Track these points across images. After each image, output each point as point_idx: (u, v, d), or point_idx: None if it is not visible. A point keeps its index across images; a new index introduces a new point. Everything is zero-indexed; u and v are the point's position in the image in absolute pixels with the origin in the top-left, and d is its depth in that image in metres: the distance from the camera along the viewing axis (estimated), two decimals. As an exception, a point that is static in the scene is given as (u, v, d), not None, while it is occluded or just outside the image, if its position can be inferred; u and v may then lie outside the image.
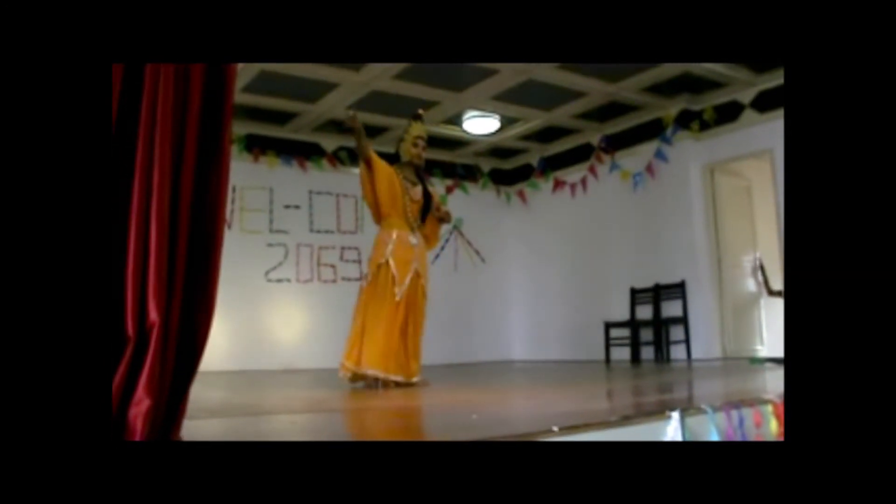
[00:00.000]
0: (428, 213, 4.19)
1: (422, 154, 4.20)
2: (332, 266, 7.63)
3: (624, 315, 7.34)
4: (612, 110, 7.29)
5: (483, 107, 7.11)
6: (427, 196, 4.21)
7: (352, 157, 7.85)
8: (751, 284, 7.19)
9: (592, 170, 7.91)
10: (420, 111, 4.30)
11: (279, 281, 7.36)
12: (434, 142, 7.94)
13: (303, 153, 7.67)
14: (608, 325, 7.29)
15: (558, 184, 8.29)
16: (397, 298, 3.83)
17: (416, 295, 3.94)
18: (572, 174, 8.19)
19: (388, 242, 3.96)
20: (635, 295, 7.30)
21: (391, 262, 3.89)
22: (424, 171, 4.38)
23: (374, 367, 3.73)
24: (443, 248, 8.41)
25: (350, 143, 7.66)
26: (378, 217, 4.09)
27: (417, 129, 4.23)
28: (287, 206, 7.48)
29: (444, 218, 4.26)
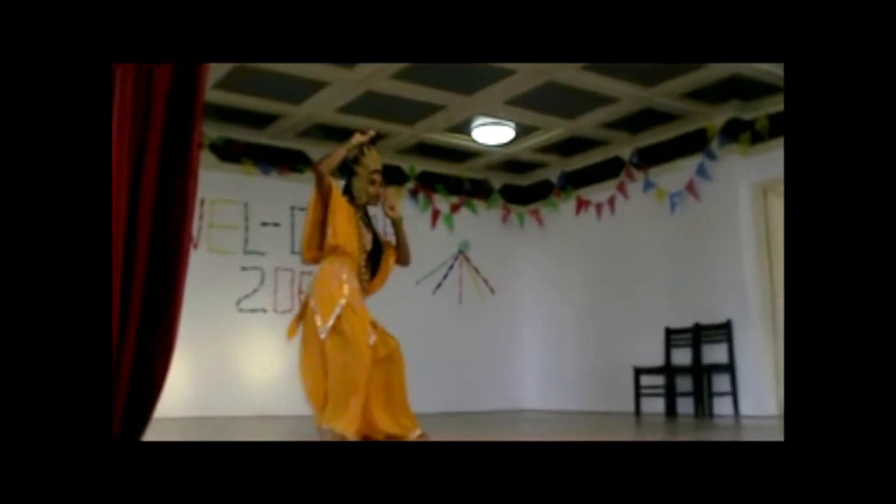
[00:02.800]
0: (377, 268, 4.12)
1: (378, 193, 4.09)
2: (316, 295, 7.61)
3: (657, 360, 7.28)
4: (646, 119, 7.26)
5: (496, 113, 7.10)
6: (377, 247, 4.14)
7: (341, 168, 7.79)
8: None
9: (622, 188, 7.88)
10: (372, 132, 4.11)
11: (253, 311, 7.31)
12: (438, 153, 8.10)
13: (285, 162, 7.65)
14: (638, 372, 7.23)
15: (581, 203, 8.27)
16: (371, 342, 3.81)
17: (388, 340, 3.93)
18: (598, 193, 8.15)
19: (340, 277, 3.87)
20: (671, 336, 7.24)
21: (353, 304, 3.84)
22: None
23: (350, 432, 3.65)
24: (445, 277, 8.39)
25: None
26: (316, 251, 3.97)
27: (374, 160, 4.09)
28: (265, 224, 7.47)
29: (402, 259, 4.19)
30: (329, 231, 3.89)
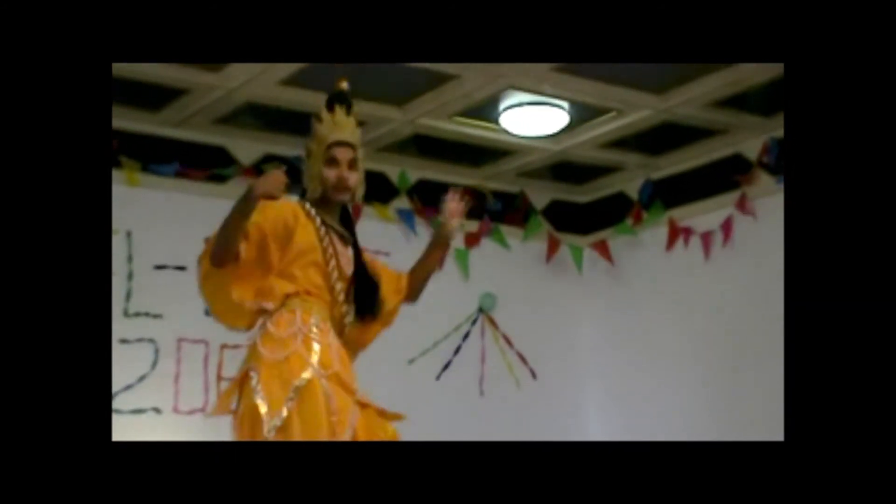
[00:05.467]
0: (369, 303, 4.09)
1: (348, 182, 3.97)
2: (247, 382, 6.97)
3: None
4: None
5: (538, 87, 6.51)
6: (360, 268, 4.08)
7: (291, 174, 7.09)
8: None
9: (743, 203, 7.19)
10: (343, 85, 4.14)
11: (138, 412, 6.62)
12: (446, 151, 7.60)
13: (194, 164, 7.07)
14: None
15: (677, 232, 7.64)
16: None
17: (384, 428, 3.96)
18: (706, 213, 7.53)
19: (304, 330, 3.83)
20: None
21: (324, 383, 3.74)
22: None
23: None
24: (458, 352, 7.75)
25: (287, 149, 7.17)
26: (255, 317, 3.88)
27: (335, 126, 4.05)
28: (159, 267, 6.84)
29: (413, 293, 4.29)
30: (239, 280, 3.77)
